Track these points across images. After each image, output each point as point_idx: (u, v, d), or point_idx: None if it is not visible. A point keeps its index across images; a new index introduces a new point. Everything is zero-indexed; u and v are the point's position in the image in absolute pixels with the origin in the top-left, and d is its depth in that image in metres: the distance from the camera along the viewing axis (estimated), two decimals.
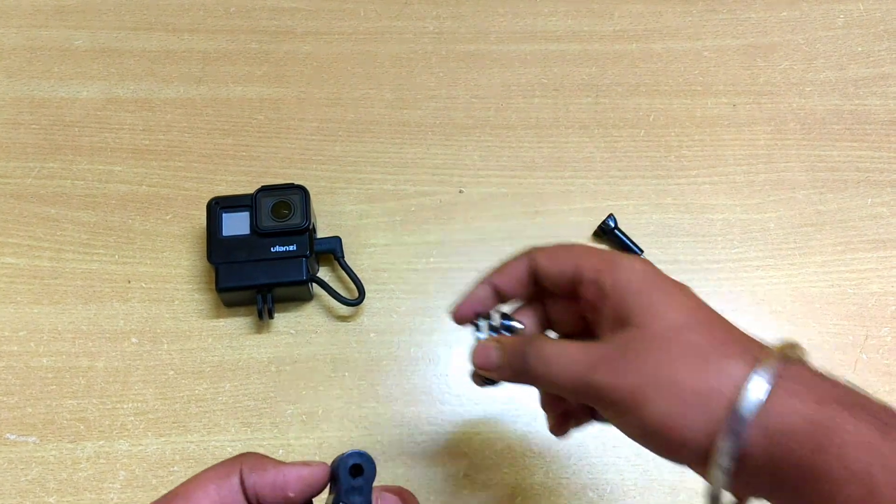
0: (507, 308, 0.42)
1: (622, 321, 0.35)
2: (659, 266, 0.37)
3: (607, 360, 0.34)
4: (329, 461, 0.34)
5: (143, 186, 0.62)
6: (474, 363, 0.39)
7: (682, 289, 0.36)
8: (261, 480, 0.32)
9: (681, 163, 0.64)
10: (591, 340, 0.36)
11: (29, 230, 0.60)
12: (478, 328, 0.41)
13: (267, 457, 0.33)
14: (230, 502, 0.31)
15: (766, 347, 0.33)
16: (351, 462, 0.32)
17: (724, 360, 0.32)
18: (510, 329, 0.41)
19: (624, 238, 0.60)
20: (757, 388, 0.31)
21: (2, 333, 0.56)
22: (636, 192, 0.63)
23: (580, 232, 0.61)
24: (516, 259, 0.41)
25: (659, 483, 0.53)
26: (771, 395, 0.31)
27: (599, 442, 0.54)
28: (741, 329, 0.35)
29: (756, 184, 0.63)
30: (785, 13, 0.71)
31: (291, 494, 0.32)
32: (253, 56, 0.67)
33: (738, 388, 0.31)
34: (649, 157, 0.64)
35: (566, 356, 0.36)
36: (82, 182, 0.62)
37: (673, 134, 0.65)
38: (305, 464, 0.33)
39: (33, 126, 0.64)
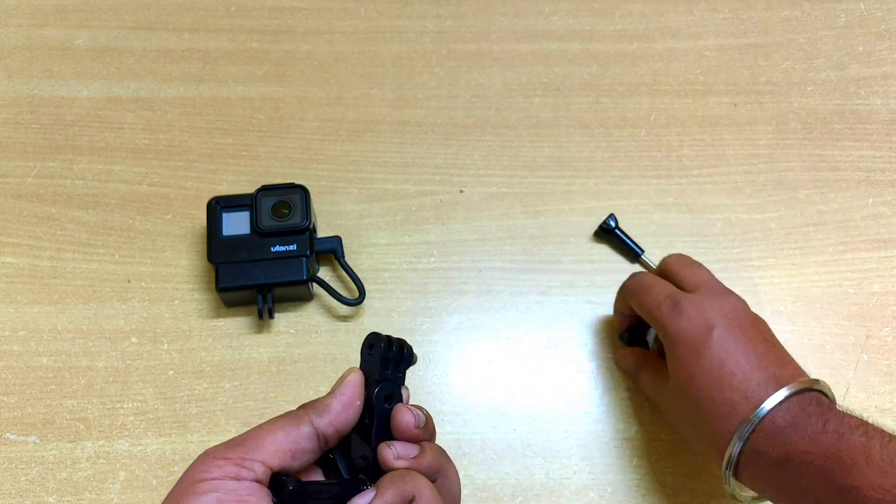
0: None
1: None
2: None
3: None
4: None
5: (143, 186, 0.62)
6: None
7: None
8: (331, 415, 0.36)
9: (682, 162, 0.64)
10: None
11: (29, 230, 0.60)
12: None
13: (316, 400, 0.37)
14: (298, 448, 0.34)
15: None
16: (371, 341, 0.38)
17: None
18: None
19: (625, 238, 0.60)
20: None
21: (2, 333, 0.56)
22: (637, 192, 0.63)
23: (581, 231, 0.61)
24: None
25: (661, 484, 0.52)
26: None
27: (602, 442, 0.54)
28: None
29: (757, 183, 0.63)
30: (786, 12, 0.71)
31: (359, 402, 0.37)
32: (253, 55, 0.67)
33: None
34: (650, 157, 0.64)
35: None
36: (82, 182, 0.62)
37: (674, 133, 0.65)
38: (343, 378, 0.37)
39: (33, 126, 0.64)
